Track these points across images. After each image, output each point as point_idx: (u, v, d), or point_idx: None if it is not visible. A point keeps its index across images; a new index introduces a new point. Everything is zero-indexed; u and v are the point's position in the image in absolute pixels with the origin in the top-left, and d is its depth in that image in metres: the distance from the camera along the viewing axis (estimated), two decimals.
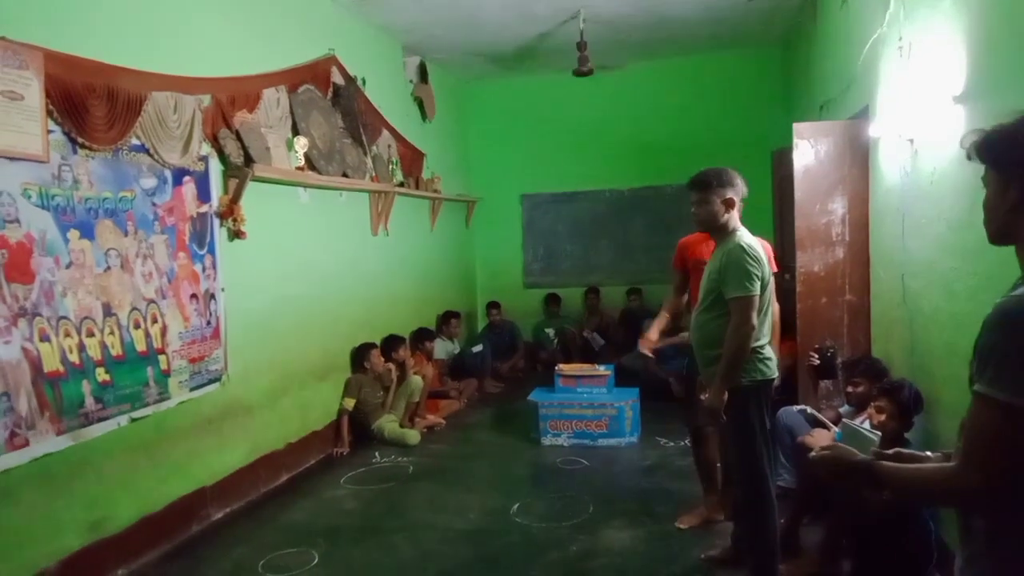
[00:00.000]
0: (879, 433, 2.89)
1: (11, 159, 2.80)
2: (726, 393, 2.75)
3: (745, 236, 2.83)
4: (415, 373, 5.53)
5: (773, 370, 2.86)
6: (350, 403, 5.15)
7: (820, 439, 3.27)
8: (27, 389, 2.82)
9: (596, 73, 6.23)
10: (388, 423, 5.21)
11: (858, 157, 4.27)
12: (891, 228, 3.76)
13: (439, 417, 5.67)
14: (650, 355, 3.50)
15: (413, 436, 5.17)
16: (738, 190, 2.86)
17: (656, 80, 7.55)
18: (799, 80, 6.41)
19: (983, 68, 2.58)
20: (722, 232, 2.87)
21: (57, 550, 3.00)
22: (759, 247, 2.83)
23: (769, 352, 2.86)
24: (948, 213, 2.93)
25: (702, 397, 3.14)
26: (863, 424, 3.10)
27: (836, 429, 3.34)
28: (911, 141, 3.35)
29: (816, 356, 3.77)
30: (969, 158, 1.30)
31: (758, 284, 2.73)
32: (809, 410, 3.67)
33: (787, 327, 4.97)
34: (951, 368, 2.83)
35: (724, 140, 7.12)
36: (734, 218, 2.87)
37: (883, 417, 3.00)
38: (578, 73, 6.10)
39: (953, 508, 1.39)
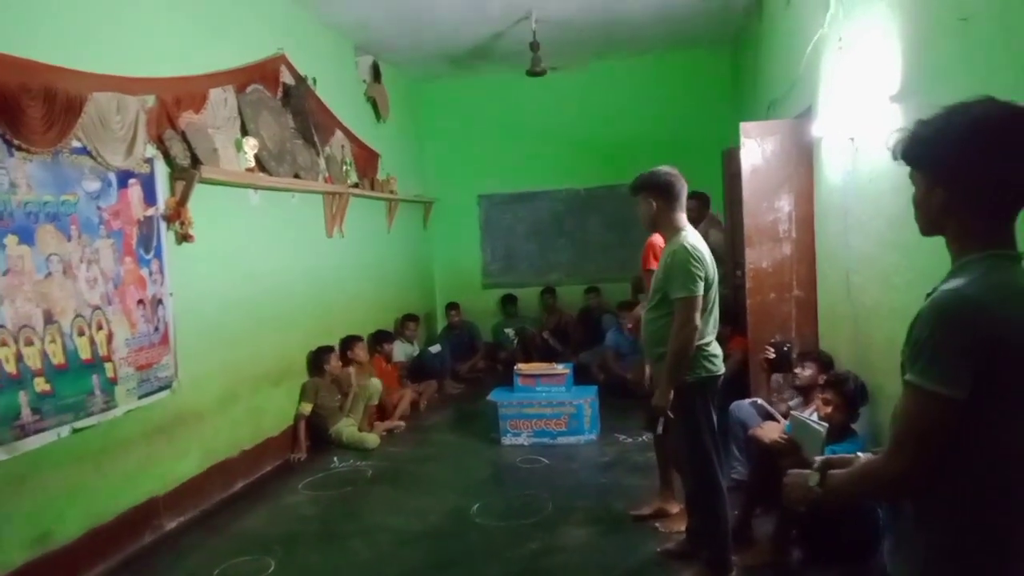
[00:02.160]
0: (826, 424, 2.99)
1: None
2: (672, 390, 2.79)
3: (690, 236, 2.88)
4: (370, 376, 5.49)
5: (719, 367, 2.92)
6: (307, 408, 5.08)
7: (770, 431, 3.34)
8: None
9: (550, 73, 6.27)
10: (346, 427, 5.15)
11: (803, 156, 4.38)
12: (835, 225, 3.86)
13: (397, 419, 5.63)
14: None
15: (372, 440, 5.12)
16: (671, 190, 2.91)
17: (610, 80, 7.63)
18: (747, 80, 6.54)
19: (917, 67, 2.67)
20: (667, 232, 2.94)
21: (0, 566, 2.89)
22: (703, 247, 2.88)
23: (715, 349, 2.92)
24: (887, 210, 3.02)
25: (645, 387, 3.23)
26: (811, 416, 3.19)
27: (786, 422, 3.42)
28: (852, 140, 3.44)
29: (772, 350, 3.85)
30: (895, 158, 1.34)
31: (701, 285, 2.78)
32: (759, 401, 3.76)
33: (737, 322, 5.08)
34: (892, 360, 2.88)
35: (677, 139, 7.23)
36: (676, 218, 2.92)
37: (829, 409, 3.09)
38: (532, 73, 6.14)
39: (886, 497, 1.43)
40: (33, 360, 3.04)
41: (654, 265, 3.60)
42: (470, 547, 3.47)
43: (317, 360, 5.27)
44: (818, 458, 1.46)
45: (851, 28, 3.39)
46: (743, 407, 3.78)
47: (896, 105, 2.85)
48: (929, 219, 1.32)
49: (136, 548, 3.56)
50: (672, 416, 2.84)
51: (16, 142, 2.98)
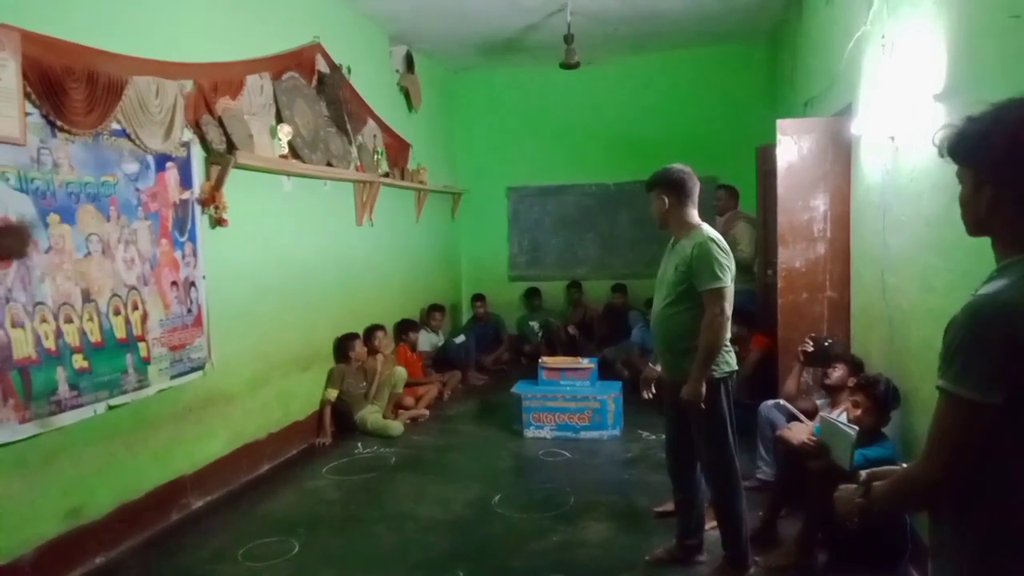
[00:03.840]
0: (856, 427, 2.94)
1: None
2: (704, 384, 2.77)
3: (710, 230, 2.89)
4: (394, 364, 5.53)
5: (735, 362, 2.93)
6: (333, 394, 5.14)
7: (798, 433, 3.30)
8: None
9: (583, 66, 6.23)
10: (371, 414, 5.20)
11: (840, 154, 4.30)
12: (872, 225, 3.79)
13: (421, 408, 5.67)
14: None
15: (396, 427, 5.16)
16: (683, 187, 2.89)
17: (643, 74, 7.57)
18: (784, 77, 6.44)
19: (963, 65, 2.61)
20: (679, 228, 2.92)
21: (34, 536, 2.97)
22: (723, 240, 2.88)
23: (730, 346, 2.93)
24: (926, 210, 2.96)
25: (645, 395, 3.19)
26: (840, 418, 3.14)
27: (813, 423, 3.37)
28: (892, 138, 3.37)
29: (811, 343, 3.79)
30: (941, 155, 1.31)
31: (729, 275, 2.78)
32: (782, 403, 3.71)
33: (755, 322, 5.03)
34: (927, 364, 2.86)
35: (710, 135, 7.17)
36: (688, 214, 2.91)
37: (859, 412, 3.04)
38: (565, 66, 6.10)
39: (922, 504, 1.41)
40: (72, 337, 3.11)
41: None
42: (492, 537, 3.48)
43: (342, 347, 5.32)
44: (864, 471, 1.45)
45: (895, 25, 3.32)
46: (771, 407, 3.74)
47: (940, 104, 2.78)
48: (976, 218, 1.29)
49: (163, 526, 3.63)
50: (702, 410, 2.82)
51: (59, 123, 3.04)
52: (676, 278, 2.87)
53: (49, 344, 3.00)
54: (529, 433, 5.03)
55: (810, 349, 3.80)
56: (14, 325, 2.85)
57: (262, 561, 3.28)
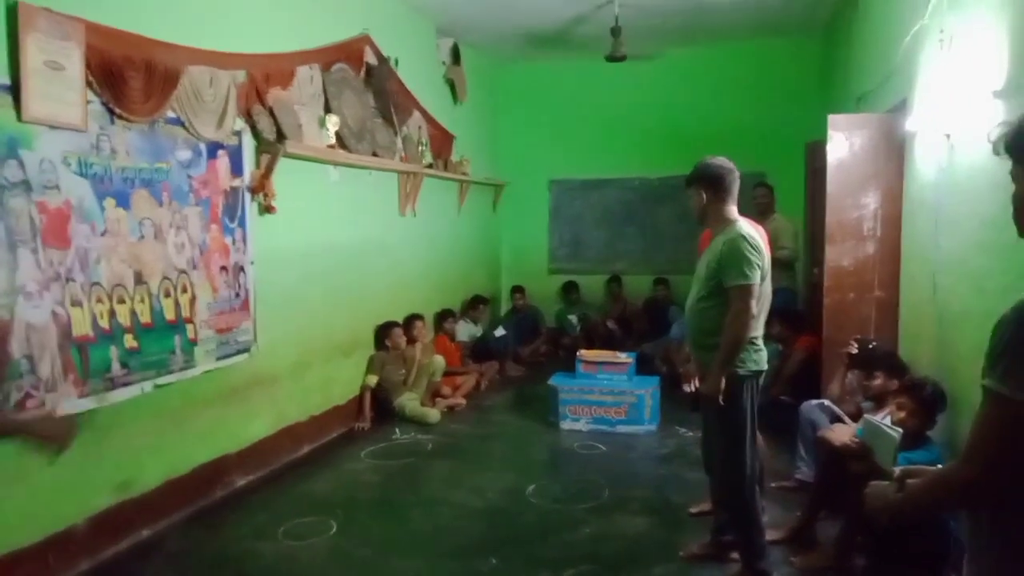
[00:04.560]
0: (900, 430, 2.88)
1: (52, 128, 2.87)
2: (723, 379, 2.75)
3: (744, 226, 2.84)
4: (433, 353, 5.60)
5: (764, 362, 2.88)
6: (372, 380, 5.23)
7: (841, 434, 3.24)
8: (52, 352, 2.89)
9: (630, 59, 6.18)
10: (409, 401, 5.27)
11: (893, 151, 4.19)
12: (924, 224, 3.69)
13: (459, 397, 5.72)
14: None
15: (433, 415, 5.23)
16: (721, 182, 2.85)
17: (690, 67, 7.47)
18: (836, 71, 6.29)
19: None
20: (717, 223, 2.89)
21: (87, 507, 3.11)
22: (759, 237, 2.84)
23: (762, 344, 2.88)
24: (982, 210, 2.87)
25: (687, 388, 3.16)
26: (884, 420, 3.08)
27: (856, 425, 3.31)
28: (948, 136, 3.28)
29: (856, 345, 3.72)
30: (996, 153, 1.28)
31: (758, 273, 2.74)
32: (827, 403, 3.64)
33: (799, 322, 4.95)
34: (978, 367, 2.78)
35: (757, 130, 7.05)
36: (727, 209, 2.87)
37: (904, 414, 2.98)
38: (611, 58, 6.06)
39: (958, 504, 1.38)
40: (124, 318, 3.23)
41: None
42: (526, 527, 3.51)
43: (382, 335, 5.40)
44: (897, 468, 1.43)
45: (954, 20, 3.22)
46: (813, 408, 3.68)
47: (998, 101, 2.69)
48: None
49: (208, 502, 3.75)
50: (716, 406, 2.79)
51: (118, 111, 3.15)
52: (707, 273, 2.86)
53: (104, 323, 3.13)
54: (565, 425, 5.04)
55: (855, 351, 3.73)
56: (73, 304, 2.98)
57: (301, 540, 3.37)
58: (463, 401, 5.70)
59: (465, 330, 6.69)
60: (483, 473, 4.25)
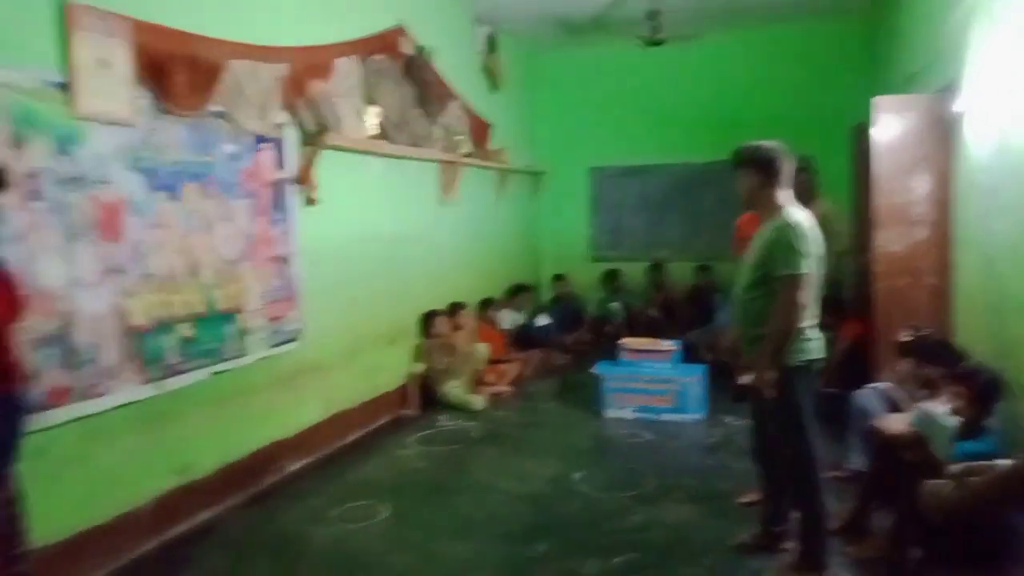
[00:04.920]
0: (955, 419, 2.80)
1: (104, 123, 2.95)
2: (771, 373, 2.69)
3: (795, 213, 2.75)
4: (477, 341, 5.63)
5: (819, 351, 2.80)
6: (418, 367, 5.29)
7: (895, 423, 3.16)
8: (113, 341, 2.99)
9: (669, 43, 6.08)
10: (454, 388, 5.32)
11: (943, 133, 4.07)
12: (976, 208, 3.58)
13: (503, 384, 5.75)
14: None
15: (478, 402, 5.26)
16: (772, 166, 2.77)
17: (732, 50, 7.32)
18: (883, 51, 6.11)
19: None
20: (766, 209, 2.81)
21: (150, 489, 3.22)
22: (810, 224, 2.75)
23: (815, 334, 2.79)
24: None
25: (740, 380, 3.09)
26: (939, 409, 3.00)
27: (910, 414, 3.23)
28: (1000, 117, 3.16)
29: (909, 333, 3.62)
30: None
31: (807, 262, 2.65)
32: (890, 386, 3.52)
33: (845, 308, 4.84)
34: None
35: (802, 113, 6.88)
36: (778, 194, 2.79)
37: (960, 403, 2.89)
38: (650, 42, 5.98)
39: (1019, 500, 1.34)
40: (178, 308, 3.32)
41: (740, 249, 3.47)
42: (572, 514, 3.52)
43: (426, 323, 5.45)
44: (957, 466, 1.38)
45: None
46: (865, 395, 3.60)
47: None
48: None
49: (263, 486, 3.84)
50: (770, 400, 2.74)
51: (165, 105, 3.22)
52: (755, 262, 2.79)
53: (159, 313, 3.21)
54: (610, 413, 5.03)
55: (908, 339, 3.63)
56: (129, 295, 3.07)
57: (354, 523, 3.44)
58: (507, 389, 5.73)
59: (508, 318, 6.71)
60: (529, 460, 4.26)
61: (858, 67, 6.80)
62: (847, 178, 6.32)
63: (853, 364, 4.43)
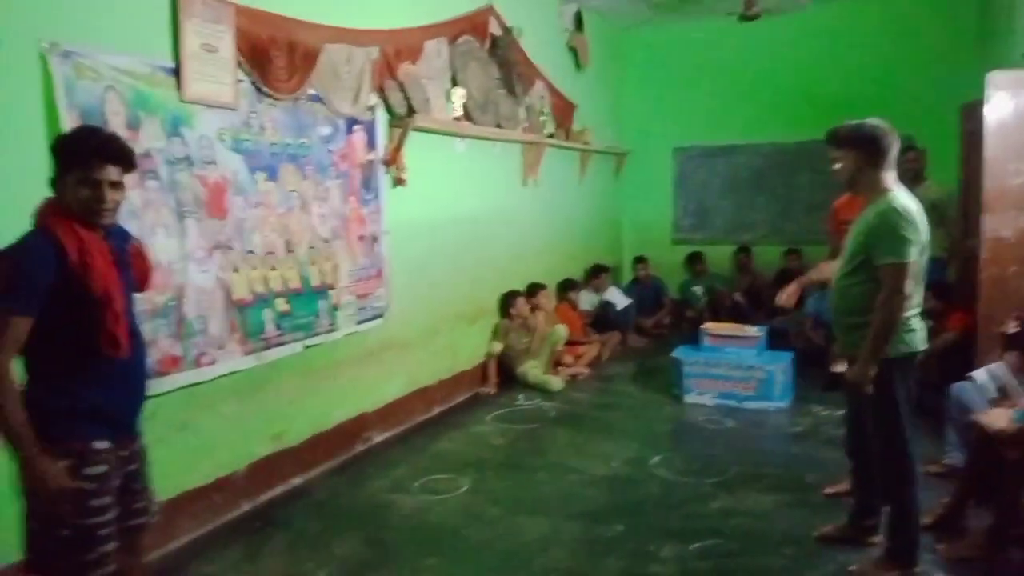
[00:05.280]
0: None
1: (209, 106, 3.11)
2: (873, 366, 2.59)
3: (901, 196, 2.60)
4: (555, 323, 5.66)
5: (920, 342, 2.67)
6: (497, 347, 5.37)
7: (997, 419, 3.00)
8: (219, 313, 3.18)
9: (764, 17, 5.87)
10: (532, 368, 5.37)
11: None
12: None
13: (581, 366, 5.76)
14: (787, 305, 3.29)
15: (556, 383, 5.30)
16: (878, 145, 2.62)
17: (831, 24, 6.98)
18: (998, 23, 5.68)
19: None
20: (870, 191, 2.66)
21: (247, 454, 3.42)
22: (916, 209, 2.60)
23: (918, 324, 2.66)
24: None
25: (834, 369, 2.96)
26: None
27: (1015, 409, 3.05)
28: None
29: (1015, 324, 3.40)
30: None
31: (914, 249, 2.52)
32: (986, 379, 3.33)
33: (952, 296, 4.57)
34: None
35: (905, 91, 6.52)
36: (883, 177, 2.64)
37: None
38: (744, 17, 5.79)
39: None
40: (276, 283, 3.49)
41: (832, 227, 3.33)
42: (650, 497, 3.52)
43: (506, 303, 5.52)
44: None
45: None
46: (965, 388, 3.42)
47: None
48: None
49: (349, 456, 4.02)
50: (870, 392, 2.64)
51: (265, 89, 3.37)
52: (855, 248, 2.67)
53: (259, 288, 3.39)
54: (689, 399, 4.97)
55: (1014, 330, 3.42)
56: (232, 270, 3.25)
57: (435, 495, 3.55)
58: (585, 370, 5.74)
59: (587, 299, 6.70)
60: (606, 442, 4.28)
61: (969, 40, 6.36)
62: (955, 160, 5.95)
63: (957, 356, 4.21)
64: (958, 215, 5.39)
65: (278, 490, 3.56)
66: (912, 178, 5.32)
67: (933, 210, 5.12)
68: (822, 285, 3.61)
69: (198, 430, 3.15)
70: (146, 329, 2.75)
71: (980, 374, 3.38)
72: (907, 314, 2.61)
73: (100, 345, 1.86)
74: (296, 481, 3.66)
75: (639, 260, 7.55)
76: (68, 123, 2.51)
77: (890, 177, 2.66)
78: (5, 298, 1.77)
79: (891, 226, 2.53)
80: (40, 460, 1.79)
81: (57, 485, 1.81)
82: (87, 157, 1.85)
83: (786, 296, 3.28)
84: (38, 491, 1.82)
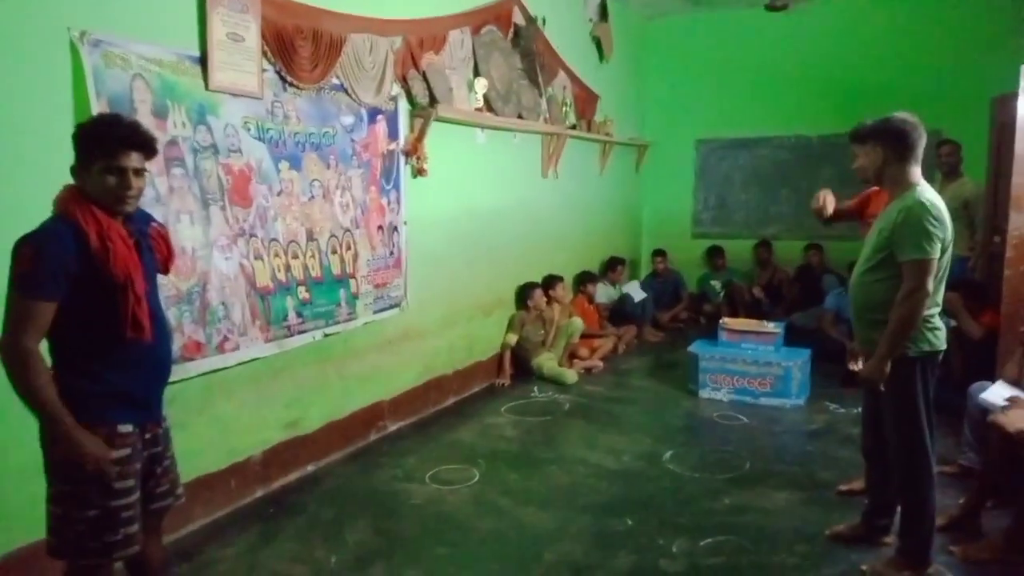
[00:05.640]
0: None
1: (234, 95, 3.14)
2: (888, 364, 2.57)
3: (926, 192, 2.57)
4: (571, 315, 5.66)
5: (942, 341, 2.64)
6: (512, 339, 5.38)
7: (1016, 419, 2.97)
8: (242, 301, 3.23)
9: (792, 7, 5.78)
10: (547, 361, 5.39)
11: None
12: None
13: (596, 359, 5.77)
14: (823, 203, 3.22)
15: (570, 375, 5.32)
16: (905, 140, 2.58)
17: (858, 14, 6.88)
18: None
19: None
20: (896, 186, 2.63)
21: (262, 441, 3.47)
22: (941, 205, 2.57)
23: (939, 322, 2.64)
24: None
25: (852, 367, 2.94)
26: None
27: None
28: None
29: None
30: None
31: (938, 246, 2.49)
32: (999, 385, 3.30)
33: (986, 295, 4.50)
34: None
35: (934, 83, 6.43)
36: (910, 171, 2.61)
37: None
38: (771, 7, 5.73)
39: None
40: (298, 271, 3.53)
41: (858, 204, 3.29)
42: (662, 491, 3.53)
43: (524, 295, 5.53)
44: None
45: None
46: (984, 388, 3.38)
47: None
48: None
49: (363, 443, 4.07)
50: (884, 391, 2.62)
51: (289, 78, 3.39)
52: (878, 243, 2.63)
53: (281, 276, 3.44)
54: (704, 394, 4.96)
55: None
56: (255, 258, 3.29)
57: (447, 484, 3.58)
58: (600, 363, 5.75)
59: (604, 292, 6.69)
60: (619, 436, 4.29)
61: (1003, 31, 6.23)
62: (984, 155, 5.85)
63: (980, 354, 4.15)
64: (985, 212, 5.30)
65: (292, 476, 3.61)
66: (947, 173, 5.23)
67: (965, 208, 5.08)
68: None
69: (216, 416, 3.20)
70: (171, 315, 2.81)
71: (988, 386, 3.33)
72: (929, 312, 2.59)
73: (124, 329, 1.88)
74: (310, 468, 3.71)
75: (657, 253, 7.52)
76: (97, 111, 2.56)
77: (916, 172, 2.63)
78: (29, 284, 1.80)
79: (916, 221, 2.50)
80: (77, 432, 1.83)
81: (96, 455, 1.85)
82: (112, 145, 1.87)
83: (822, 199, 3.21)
84: (80, 462, 1.84)
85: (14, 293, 1.81)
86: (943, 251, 2.54)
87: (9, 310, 1.82)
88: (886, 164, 2.63)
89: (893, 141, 2.61)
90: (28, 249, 1.81)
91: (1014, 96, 3.99)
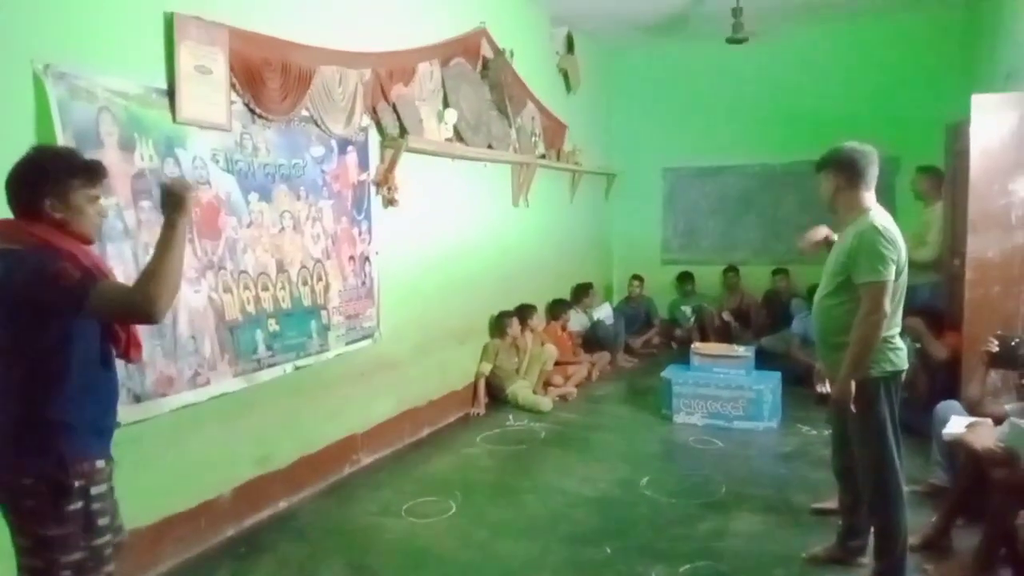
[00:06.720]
0: None
1: (202, 127, 3.12)
2: (853, 384, 2.62)
3: (879, 216, 2.67)
4: (544, 343, 5.66)
5: (904, 361, 2.71)
6: (487, 367, 5.36)
7: (983, 438, 3.02)
8: (211, 334, 3.17)
9: (751, 40, 5.96)
10: (522, 389, 5.37)
11: None
12: None
13: (570, 386, 5.76)
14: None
15: (545, 403, 5.30)
16: (855, 167, 2.70)
17: (818, 46, 7.09)
18: (982, 46, 5.80)
19: None
20: (849, 212, 2.74)
21: (231, 478, 3.39)
22: (895, 228, 2.67)
23: (900, 342, 2.72)
24: None
25: (820, 389, 3.01)
26: None
27: (1000, 428, 3.07)
28: None
29: (996, 343, 3.44)
30: None
31: (892, 269, 2.58)
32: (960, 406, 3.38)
33: (942, 317, 4.61)
34: None
35: (891, 112, 6.62)
36: (860, 197, 2.71)
37: None
38: (732, 40, 5.88)
39: None
40: (268, 303, 3.49)
41: None
42: (639, 518, 3.51)
43: (499, 324, 5.52)
44: None
45: None
46: (951, 407, 3.45)
47: None
48: None
49: (337, 478, 3.99)
50: (853, 411, 2.67)
51: (258, 110, 3.38)
52: (836, 268, 2.73)
53: (251, 308, 3.39)
54: (679, 419, 4.98)
55: (995, 349, 3.46)
56: (224, 291, 3.25)
57: (423, 518, 3.53)
58: (574, 391, 5.75)
59: (577, 320, 6.71)
60: (595, 463, 4.28)
61: (954, 63, 6.48)
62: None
63: (945, 375, 4.24)
64: (944, 235, 5.45)
65: (264, 514, 3.52)
66: (927, 199, 5.35)
67: (918, 234, 5.20)
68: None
69: (184, 453, 3.11)
70: (145, 348, 2.74)
71: (953, 406, 3.41)
72: (889, 333, 2.65)
73: (125, 350, 1.95)
74: (282, 504, 3.63)
75: (636, 277, 7.56)
76: (63, 143, 2.51)
77: (869, 197, 2.73)
78: (91, 275, 1.81)
79: (870, 245, 2.58)
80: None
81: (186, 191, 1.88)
82: (100, 174, 1.93)
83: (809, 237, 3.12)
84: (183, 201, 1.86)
85: (94, 290, 1.77)
86: (898, 273, 2.62)
87: (112, 302, 1.81)
88: (838, 190, 2.74)
89: (845, 169, 2.72)
90: (53, 264, 1.77)
91: (966, 124, 4.14)
